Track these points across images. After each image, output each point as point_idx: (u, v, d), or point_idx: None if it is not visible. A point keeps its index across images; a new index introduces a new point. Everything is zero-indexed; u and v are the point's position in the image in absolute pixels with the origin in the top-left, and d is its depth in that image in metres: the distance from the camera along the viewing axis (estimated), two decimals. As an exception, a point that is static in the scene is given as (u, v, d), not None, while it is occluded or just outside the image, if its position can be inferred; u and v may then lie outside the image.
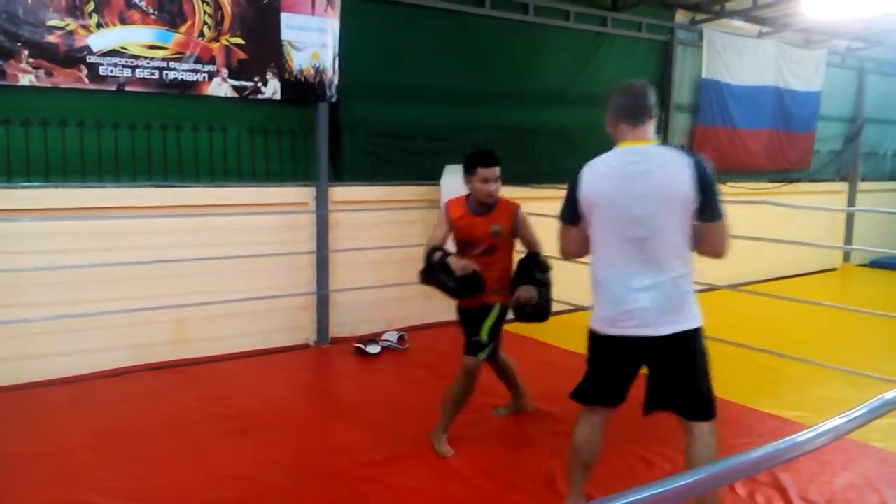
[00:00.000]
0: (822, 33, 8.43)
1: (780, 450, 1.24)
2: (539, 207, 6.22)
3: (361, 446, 3.40)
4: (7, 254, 4.24)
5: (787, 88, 8.44)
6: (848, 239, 9.84)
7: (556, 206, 2.64)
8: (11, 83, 4.11)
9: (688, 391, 2.49)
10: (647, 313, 2.42)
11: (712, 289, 5.13)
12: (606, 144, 2.57)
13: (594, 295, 2.57)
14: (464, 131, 5.90)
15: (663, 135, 7.49)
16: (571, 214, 2.57)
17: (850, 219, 9.85)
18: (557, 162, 6.59)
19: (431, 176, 5.71)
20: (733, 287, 6.44)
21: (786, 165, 8.76)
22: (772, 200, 7.13)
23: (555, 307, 3.37)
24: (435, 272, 3.22)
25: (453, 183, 5.44)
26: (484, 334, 3.34)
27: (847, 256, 10.03)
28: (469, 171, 3.34)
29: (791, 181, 8.80)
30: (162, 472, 3.16)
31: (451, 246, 3.43)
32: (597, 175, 2.49)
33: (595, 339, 2.59)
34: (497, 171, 3.33)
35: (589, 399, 2.65)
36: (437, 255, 3.25)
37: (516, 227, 3.41)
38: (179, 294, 4.76)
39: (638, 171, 2.41)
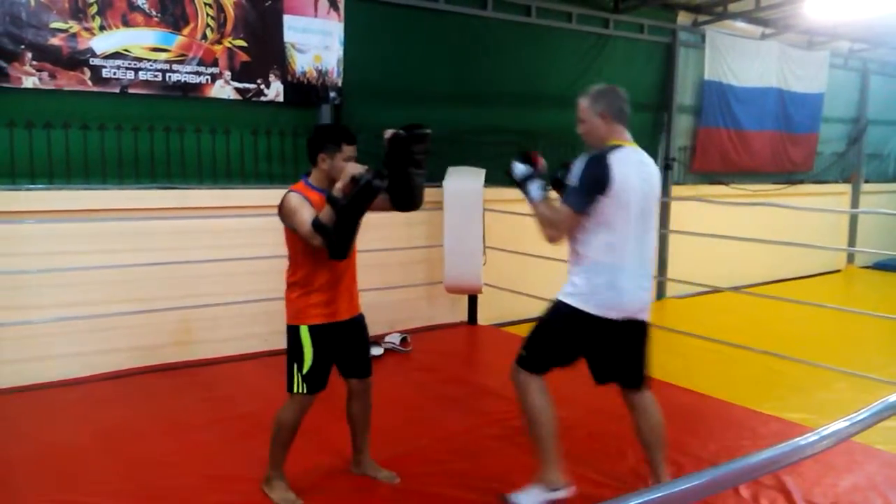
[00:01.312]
0: (825, 35, 8.42)
1: (783, 453, 1.24)
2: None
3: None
4: (11, 256, 4.25)
5: (790, 90, 8.43)
6: (851, 241, 9.84)
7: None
8: (15, 86, 4.13)
9: (642, 366, 2.85)
10: (646, 299, 2.74)
11: (715, 291, 5.13)
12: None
13: (595, 279, 2.65)
14: (467, 133, 5.90)
15: (666, 137, 7.49)
16: (590, 204, 2.60)
17: (853, 220, 9.85)
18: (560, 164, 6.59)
19: (434, 178, 5.70)
20: (736, 289, 6.44)
21: (789, 167, 8.75)
22: (775, 202, 7.11)
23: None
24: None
25: (456, 184, 5.44)
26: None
27: (850, 258, 10.02)
28: (332, 148, 2.82)
29: (794, 183, 8.79)
30: (165, 475, 3.16)
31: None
32: (624, 168, 2.60)
33: (582, 319, 2.67)
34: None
35: (546, 368, 2.79)
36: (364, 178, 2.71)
37: None
38: (183, 296, 4.77)
39: (643, 168, 2.70)
